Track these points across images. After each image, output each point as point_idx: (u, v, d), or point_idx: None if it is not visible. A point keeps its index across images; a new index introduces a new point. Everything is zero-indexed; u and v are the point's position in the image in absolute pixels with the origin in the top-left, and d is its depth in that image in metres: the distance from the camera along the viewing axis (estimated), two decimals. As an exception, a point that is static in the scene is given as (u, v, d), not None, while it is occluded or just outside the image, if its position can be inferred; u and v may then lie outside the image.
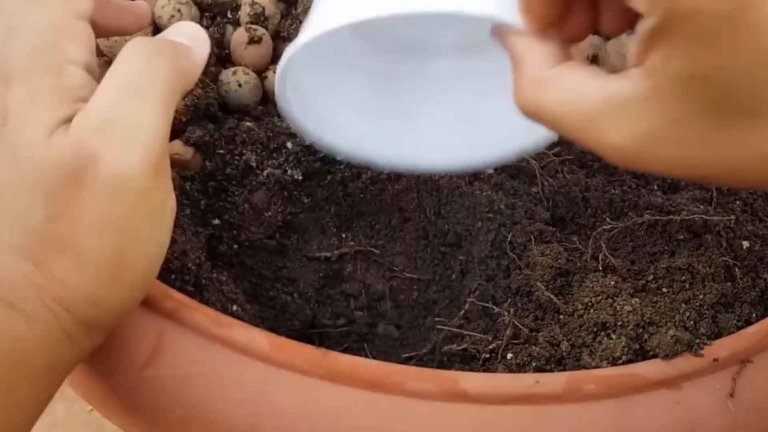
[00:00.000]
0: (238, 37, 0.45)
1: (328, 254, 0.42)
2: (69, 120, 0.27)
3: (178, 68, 0.30)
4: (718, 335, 0.31)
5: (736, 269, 0.34)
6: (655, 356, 0.30)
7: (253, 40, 0.45)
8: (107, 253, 0.27)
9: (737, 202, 0.39)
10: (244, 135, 0.40)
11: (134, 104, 0.28)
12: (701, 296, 0.32)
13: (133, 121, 0.27)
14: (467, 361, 0.33)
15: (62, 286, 0.27)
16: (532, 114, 0.26)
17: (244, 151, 0.40)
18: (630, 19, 0.26)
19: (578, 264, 0.36)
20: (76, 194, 0.27)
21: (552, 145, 0.41)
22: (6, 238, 0.27)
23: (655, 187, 0.42)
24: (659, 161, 0.24)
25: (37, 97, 0.27)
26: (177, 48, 0.31)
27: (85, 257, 0.27)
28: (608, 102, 0.24)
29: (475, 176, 0.41)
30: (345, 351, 0.36)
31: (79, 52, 0.29)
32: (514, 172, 0.42)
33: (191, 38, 0.32)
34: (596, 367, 0.30)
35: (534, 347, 0.31)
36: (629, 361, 0.30)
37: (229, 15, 0.48)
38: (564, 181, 0.41)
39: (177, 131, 0.40)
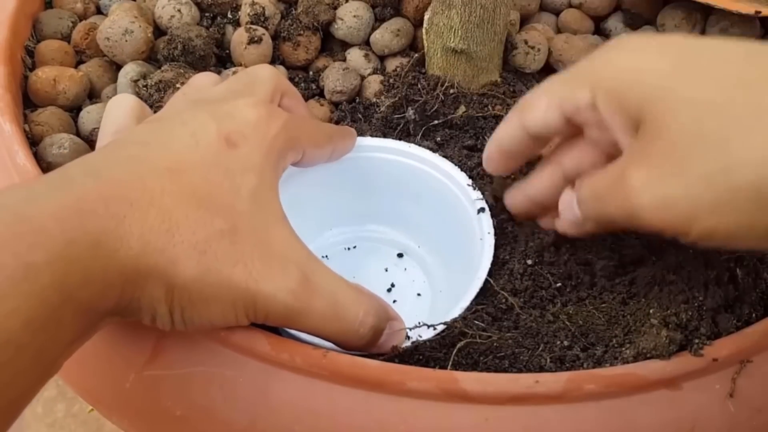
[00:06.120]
0: (238, 37, 0.45)
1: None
2: None
3: None
4: (717, 335, 0.31)
5: (737, 270, 0.34)
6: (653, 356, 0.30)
7: (253, 41, 0.45)
8: None
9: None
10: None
11: None
12: (701, 297, 0.32)
13: None
14: (467, 361, 0.33)
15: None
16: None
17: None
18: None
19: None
20: None
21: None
22: None
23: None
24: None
25: None
26: None
27: None
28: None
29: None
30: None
31: None
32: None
33: None
34: (596, 366, 0.30)
35: (534, 347, 0.31)
36: (629, 361, 0.30)
37: (229, 15, 0.48)
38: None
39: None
